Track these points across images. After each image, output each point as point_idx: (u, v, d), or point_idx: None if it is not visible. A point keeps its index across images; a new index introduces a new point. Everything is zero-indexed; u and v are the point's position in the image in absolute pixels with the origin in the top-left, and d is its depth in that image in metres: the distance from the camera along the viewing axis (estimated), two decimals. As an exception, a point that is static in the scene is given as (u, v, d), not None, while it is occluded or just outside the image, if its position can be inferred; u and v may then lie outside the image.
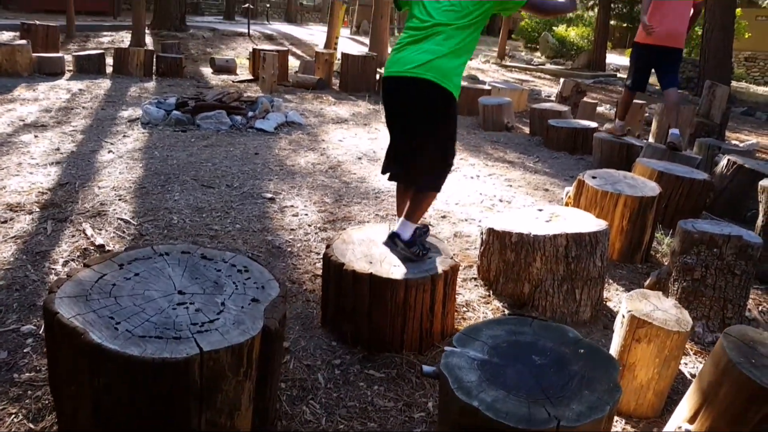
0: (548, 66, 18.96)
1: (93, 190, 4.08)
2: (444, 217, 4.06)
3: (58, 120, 6.22)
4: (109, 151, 5.07)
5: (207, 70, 11.28)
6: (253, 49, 10.72)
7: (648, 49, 5.46)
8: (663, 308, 2.19)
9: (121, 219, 3.59)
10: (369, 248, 2.57)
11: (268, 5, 30.93)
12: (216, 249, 2.15)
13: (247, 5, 20.01)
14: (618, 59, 24.72)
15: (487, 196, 4.59)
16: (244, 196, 4.13)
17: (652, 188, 3.62)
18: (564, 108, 7.48)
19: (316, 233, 3.62)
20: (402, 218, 2.54)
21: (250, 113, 6.42)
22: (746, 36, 19.06)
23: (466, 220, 4.02)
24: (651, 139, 7.06)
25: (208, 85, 9.57)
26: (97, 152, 5.05)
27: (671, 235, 3.93)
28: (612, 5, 17.83)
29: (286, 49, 11.37)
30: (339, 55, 11.43)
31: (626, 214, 3.47)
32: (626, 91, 5.98)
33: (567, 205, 3.80)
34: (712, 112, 8.43)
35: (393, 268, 2.40)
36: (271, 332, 1.70)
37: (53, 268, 2.98)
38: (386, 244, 2.53)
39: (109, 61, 10.13)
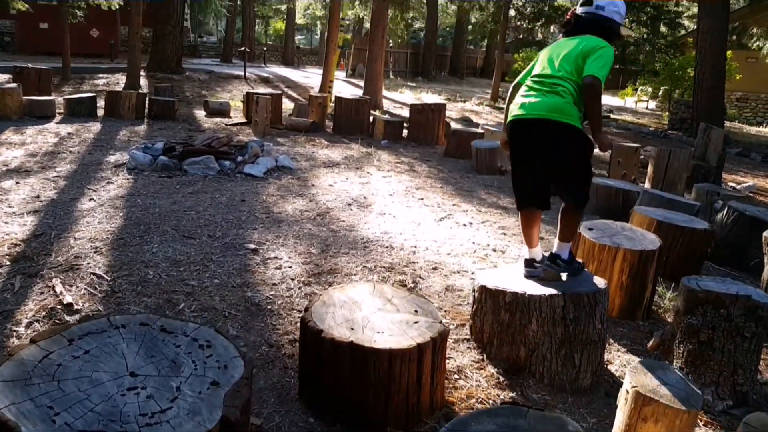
0: (542, 107, 19.02)
1: (68, 241, 3.90)
2: (435, 268, 3.88)
3: (43, 165, 6.08)
4: (90, 199, 4.91)
5: (201, 113, 11.25)
6: (247, 93, 10.71)
7: None
8: (671, 382, 2.00)
9: (95, 274, 3.40)
10: (351, 312, 2.38)
11: (265, 48, 31.40)
12: (179, 319, 1.96)
13: (243, 48, 20.21)
14: (610, 100, 24.95)
15: (480, 246, 4.42)
16: (225, 247, 3.95)
17: (652, 241, 3.46)
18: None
19: (299, 288, 3.43)
20: (559, 241, 2.88)
21: (240, 158, 6.30)
22: (737, 77, 19.26)
23: (458, 272, 3.84)
24: (647, 184, 6.94)
25: (200, 128, 9.50)
26: (77, 200, 4.88)
27: (673, 290, 3.75)
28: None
29: (279, 92, 11.38)
30: (333, 98, 11.44)
31: (626, 269, 3.30)
32: None
33: (563, 257, 3.62)
34: (708, 155, 8.37)
35: (376, 336, 2.21)
36: (230, 423, 1.50)
37: (15, 330, 2.78)
38: (547, 266, 2.83)
39: (102, 103, 10.09)
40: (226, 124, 10.03)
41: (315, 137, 9.53)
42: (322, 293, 2.55)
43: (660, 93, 21.80)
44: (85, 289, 3.22)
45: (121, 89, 13.58)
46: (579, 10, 2.91)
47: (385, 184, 6.41)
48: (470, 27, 31.00)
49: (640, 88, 24.43)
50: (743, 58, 21.71)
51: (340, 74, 25.53)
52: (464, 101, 18.82)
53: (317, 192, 5.75)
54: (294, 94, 17.16)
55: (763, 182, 10.07)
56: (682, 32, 17.73)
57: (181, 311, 3.01)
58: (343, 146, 8.92)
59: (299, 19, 35.77)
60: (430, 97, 19.06)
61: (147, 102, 10.00)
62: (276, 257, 3.84)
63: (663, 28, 17.72)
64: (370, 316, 2.35)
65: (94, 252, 3.73)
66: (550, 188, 2.86)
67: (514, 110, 2.79)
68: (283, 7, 32.58)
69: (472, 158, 7.92)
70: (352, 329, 2.24)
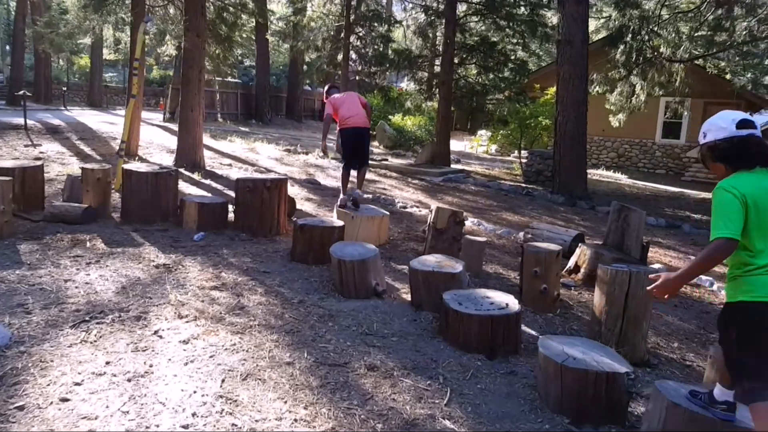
0: (392, 161, 17.16)
1: None
2: None
3: None
4: None
5: None
6: (-24, 168, 7.01)
7: (355, 131, 7.01)
8: None
9: None
10: None
11: (65, 88, 26.30)
12: None
13: (22, 92, 15.72)
14: (453, 145, 24.05)
15: None
16: None
17: None
18: (457, 267, 4.94)
19: None
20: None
21: None
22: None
23: None
24: (600, 322, 4.70)
25: None
26: None
27: None
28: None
29: (39, 164, 7.77)
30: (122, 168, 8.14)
31: None
32: (346, 172, 7.29)
33: None
34: (627, 243, 6.55)
35: None
36: None
37: None
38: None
39: None
40: (-64, 220, 6.29)
41: (88, 234, 6.24)
42: None
43: (498, 138, 21.16)
44: None
45: None
46: (743, 132, 2.54)
47: (179, 374, 3.42)
48: (305, 67, 28.79)
49: (484, 134, 23.84)
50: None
51: (157, 116, 21.77)
52: (306, 153, 16.25)
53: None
54: (87, 149, 13.30)
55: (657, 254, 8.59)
56: (526, 80, 17.02)
57: None
58: (129, 252, 5.75)
59: (108, 55, 30.94)
60: (265, 148, 16.22)
61: None
62: None
63: (508, 74, 16.77)
64: None
65: None
66: None
67: None
68: (87, 41, 27.63)
69: (334, 272, 5.25)
70: None
